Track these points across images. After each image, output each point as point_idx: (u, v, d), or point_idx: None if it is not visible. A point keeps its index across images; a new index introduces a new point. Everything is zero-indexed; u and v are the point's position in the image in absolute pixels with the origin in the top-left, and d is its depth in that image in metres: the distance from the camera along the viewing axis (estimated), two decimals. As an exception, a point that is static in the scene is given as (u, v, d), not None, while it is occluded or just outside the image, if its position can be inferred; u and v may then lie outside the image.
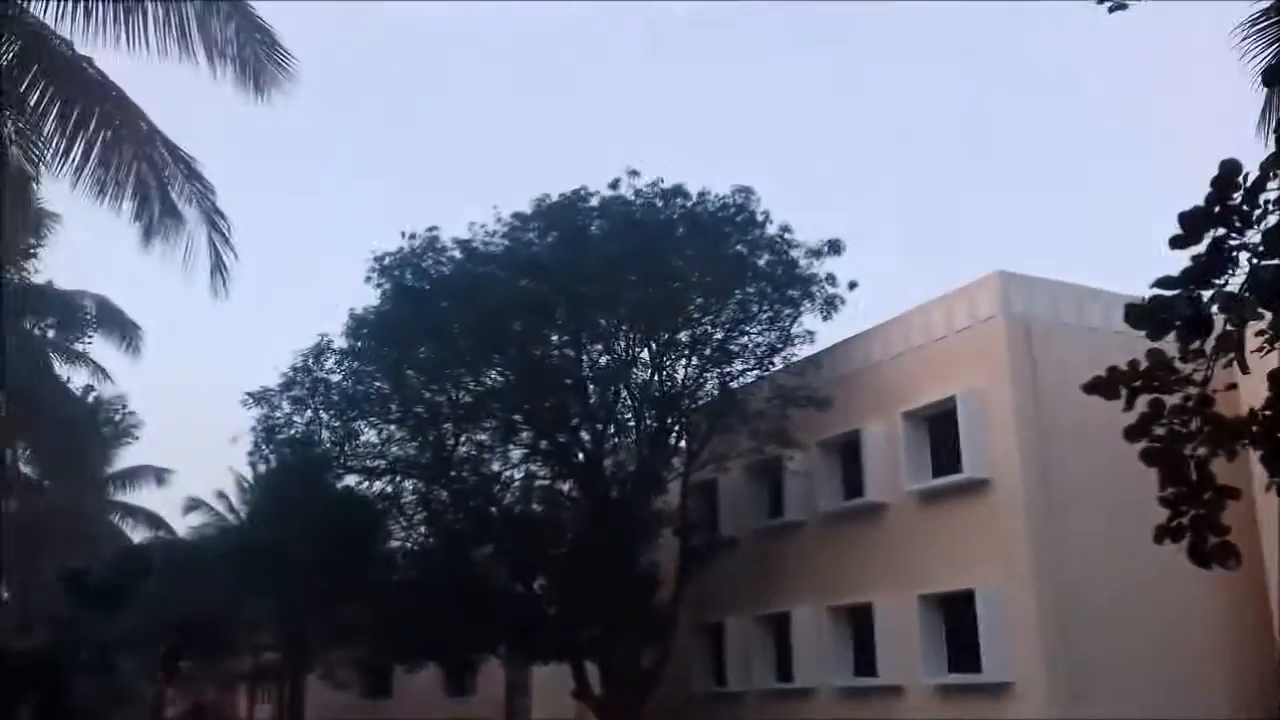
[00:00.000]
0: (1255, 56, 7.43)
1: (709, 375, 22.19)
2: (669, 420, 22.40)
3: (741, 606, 22.48)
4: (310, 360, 23.08)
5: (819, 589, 20.68)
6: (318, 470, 23.69)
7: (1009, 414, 17.50)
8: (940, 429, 18.77)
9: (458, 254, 22.26)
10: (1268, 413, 4.89)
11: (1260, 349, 4.76)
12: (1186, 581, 16.25)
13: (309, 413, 23.25)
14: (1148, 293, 4.64)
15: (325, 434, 23.57)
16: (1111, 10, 5.47)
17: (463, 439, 24.03)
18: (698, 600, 22.99)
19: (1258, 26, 7.42)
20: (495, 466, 24.37)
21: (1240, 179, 4.43)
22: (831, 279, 20.90)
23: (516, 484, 24.82)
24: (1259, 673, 17.35)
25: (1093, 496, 17.23)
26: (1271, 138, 8.31)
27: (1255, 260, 4.23)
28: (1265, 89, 7.49)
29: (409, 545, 25.63)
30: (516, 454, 24.16)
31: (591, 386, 22.52)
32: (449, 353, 21.85)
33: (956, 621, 18.07)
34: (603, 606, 21.80)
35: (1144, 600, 17.01)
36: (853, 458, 20.54)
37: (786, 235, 21.03)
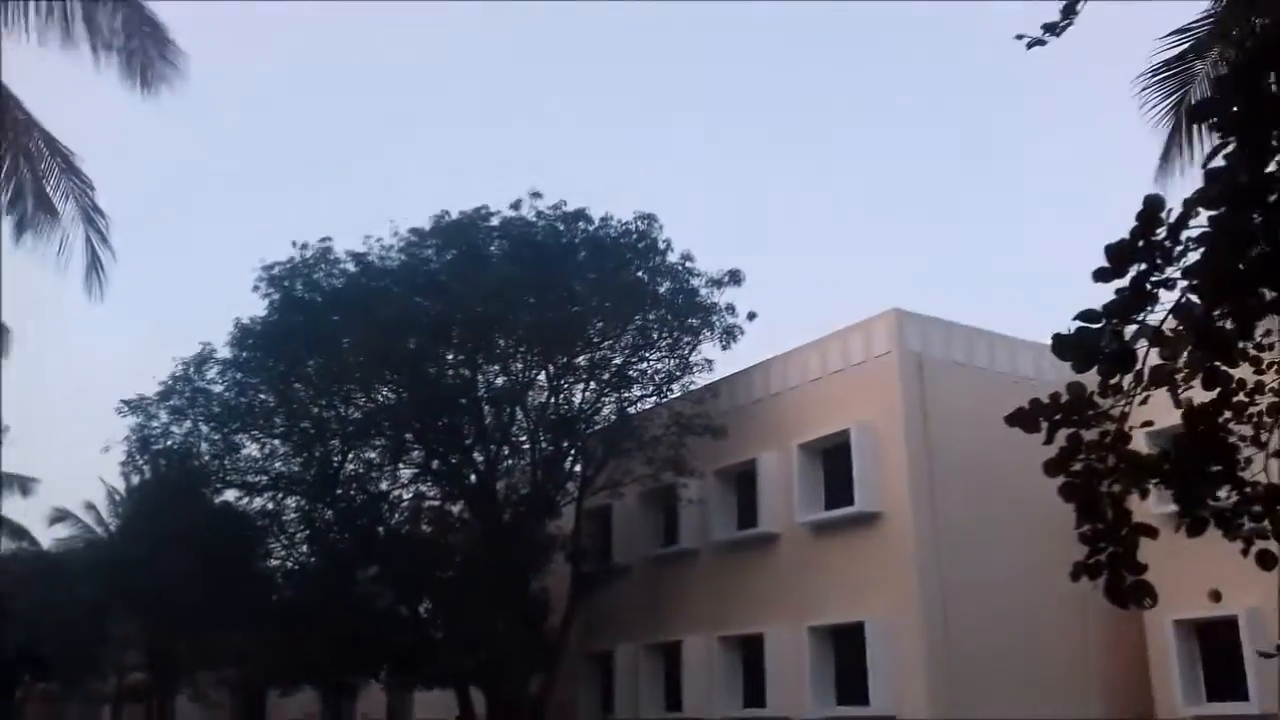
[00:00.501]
0: (1155, 105, 7.69)
1: (607, 400, 22.02)
2: (565, 444, 22.12)
3: (632, 634, 22.24)
4: (191, 369, 22.16)
5: (711, 618, 20.58)
6: (194, 484, 22.71)
7: (901, 448, 17.74)
8: (835, 461, 18.93)
9: (352, 267, 21.71)
10: (1181, 452, 4.90)
11: (1177, 386, 4.77)
12: (1066, 611, 16.88)
13: (188, 423, 22.29)
14: (1071, 325, 4.61)
15: (204, 446, 22.63)
16: (1030, 46, 5.48)
17: (350, 456, 23.34)
18: (588, 627, 22.67)
19: (1158, 76, 7.66)
20: (384, 486, 23.76)
21: (1164, 215, 4.43)
22: (731, 309, 21.01)
23: (405, 504, 24.22)
24: (1131, 697, 17.82)
25: (979, 530, 17.56)
26: (1177, 178, 8.57)
27: (1185, 296, 4.22)
28: (1166, 135, 7.73)
29: (289, 564, 24.74)
30: (406, 474, 23.60)
31: (486, 407, 22.12)
32: (339, 367, 21.21)
33: (846, 653, 18.16)
34: (490, 632, 21.32)
35: (1025, 631, 17.35)
36: (748, 487, 20.56)
37: (688, 264, 21.09)
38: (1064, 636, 17.64)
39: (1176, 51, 7.53)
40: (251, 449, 22.84)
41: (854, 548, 18.29)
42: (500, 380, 22.07)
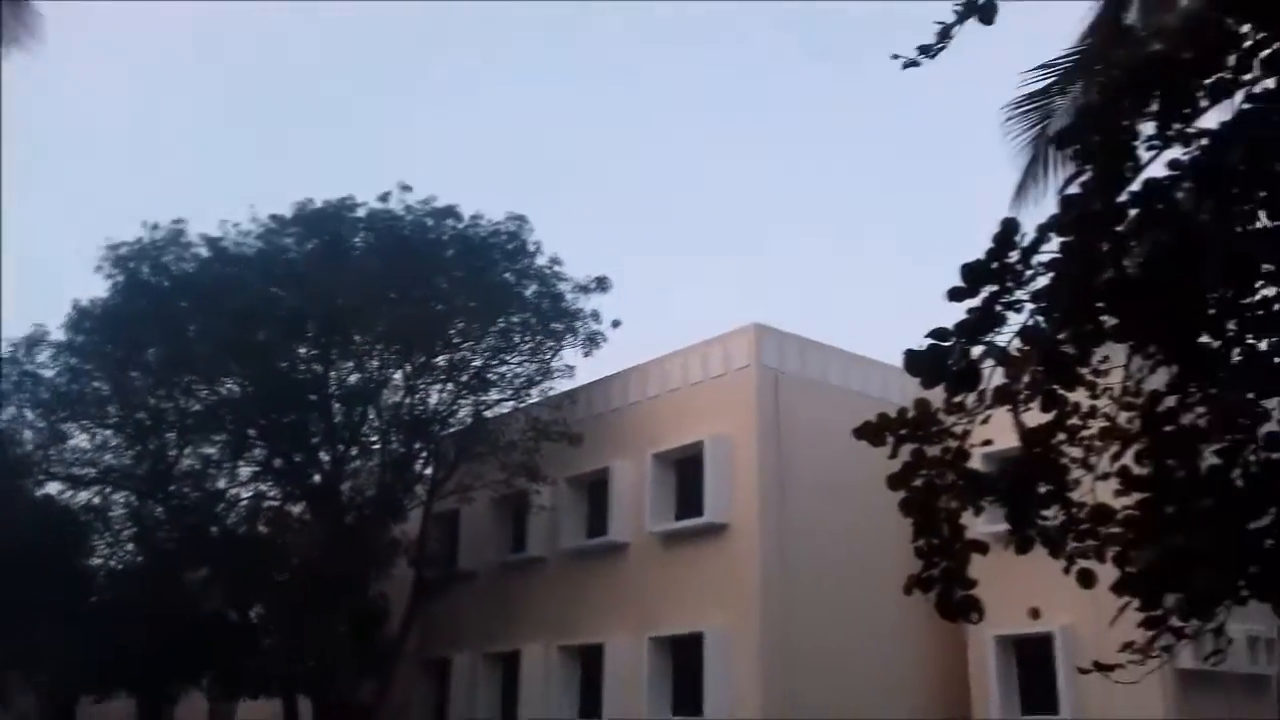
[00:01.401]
0: (1018, 135, 8.04)
1: (463, 402, 21.67)
2: (416, 446, 21.65)
3: (472, 642, 21.88)
4: (20, 352, 20.80)
5: (553, 627, 20.42)
6: (14, 473, 21.30)
7: (753, 461, 18.00)
8: (687, 472, 19.08)
9: (205, 251, 20.80)
10: (1016, 472, 5.04)
11: (1018, 407, 4.89)
12: (900, 624, 17.41)
13: (12, 409, 20.92)
14: (923, 343, 4.68)
15: (28, 434, 21.26)
16: (905, 67, 5.56)
17: (187, 451, 22.31)
18: (427, 634, 22.20)
19: (1021, 109, 8.00)
20: (221, 483, 22.78)
21: (1018, 238, 4.55)
22: (596, 315, 20.99)
23: (243, 503, 23.25)
24: (954, 707, 18.46)
25: (823, 544, 17.95)
26: (1032, 206, 8.92)
27: (1033, 319, 4.32)
28: (1024, 165, 8.08)
29: (113, 563, 23.44)
30: (246, 471, 22.67)
31: (337, 405, 21.48)
32: (182, 356, 20.28)
33: (684, 664, 18.28)
34: (323, 637, 20.64)
35: (860, 642, 17.80)
36: (600, 496, 20.53)
37: (556, 267, 20.98)
38: (896, 649, 18.18)
39: (1041, 85, 7.89)
40: (80, 439, 21.62)
41: (701, 559, 18.44)
42: (354, 377, 21.49)
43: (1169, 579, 3.81)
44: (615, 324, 21.04)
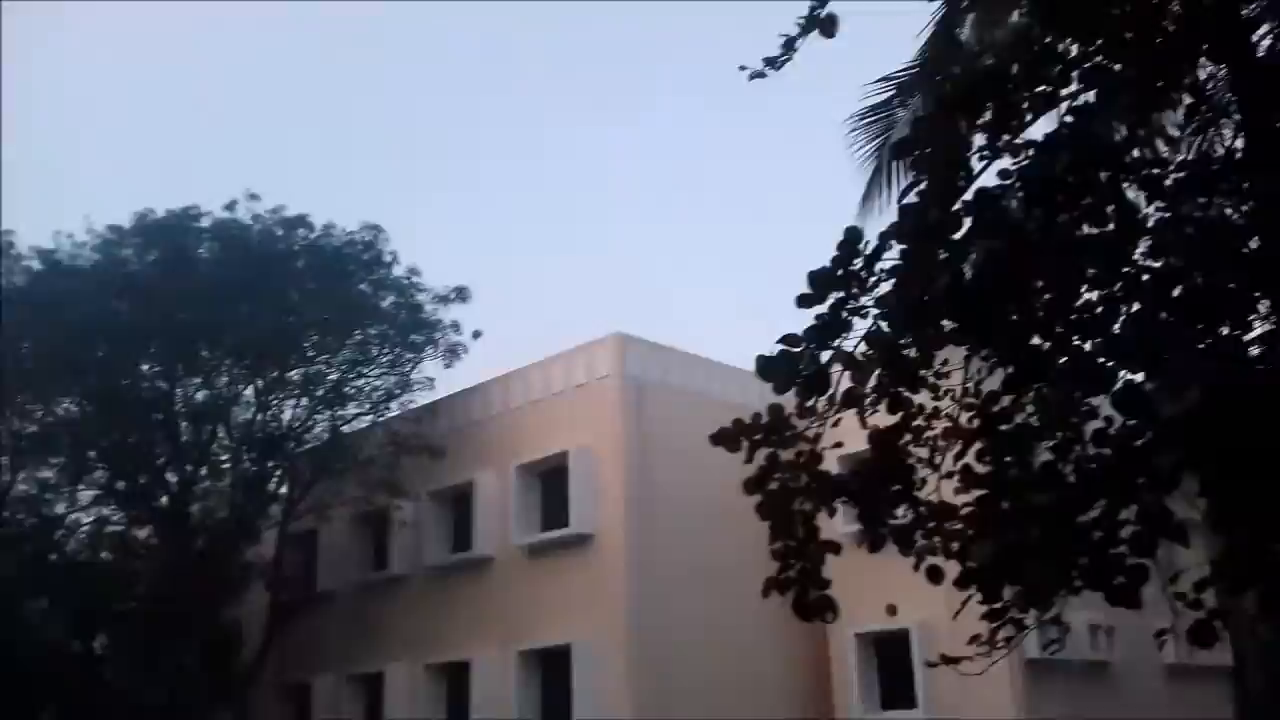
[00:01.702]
0: (862, 147, 8.31)
1: (319, 418, 21.07)
2: (270, 464, 20.93)
3: (333, 665, 21.25)
4: None
5: (418, 646, 20.02)
6: None
7: (618, 471, 18.05)
8: (552, 483, 18.99)
9: (36, 264, 19.69)
10: (866, 473, 5.18)
11: (864, 410, 5.03)
12: (764, 627, 17.71)
13: None
14: (774, 349, 4.77)
15: None
16: (752, 78, 5.66)
17: (21, 475, 21.04)
18: (286, 659, 21.46)
19: (865, 120, 8.27)
20: (60, 508, 21.54)
21: (862, 246, 4.69)
22: (456, 326, 20.72)
23: (85, 529, 22.06)
24: (817, 706, 18.88)
25: (688, 551, 18.11)
26: (876, 216, 9.20)
27: (877, 324, 4.45)
28: (869, 176, 8.37)
29: (-60, 597, 21.86)
30: (87, 495, 21.51)
31: (184, 424, 20.59)
32: (14, 375, 19.10)
33: (552, 676, 18.17)
34: (174, 667, 19.74)
35: (726, 647, 18.01)
36: (464, 510, 20.25)
37: (414, 278, 20.63)
38: (762, 651, 18.48)
39: (882, 98, 8.17)
40: (-98, 466, 20.14)
41: (567, 570, 18.38)
42: (201, 394, 20.66)
43: (1007, 572, 3.97)
44: (476, 335, 20.84)
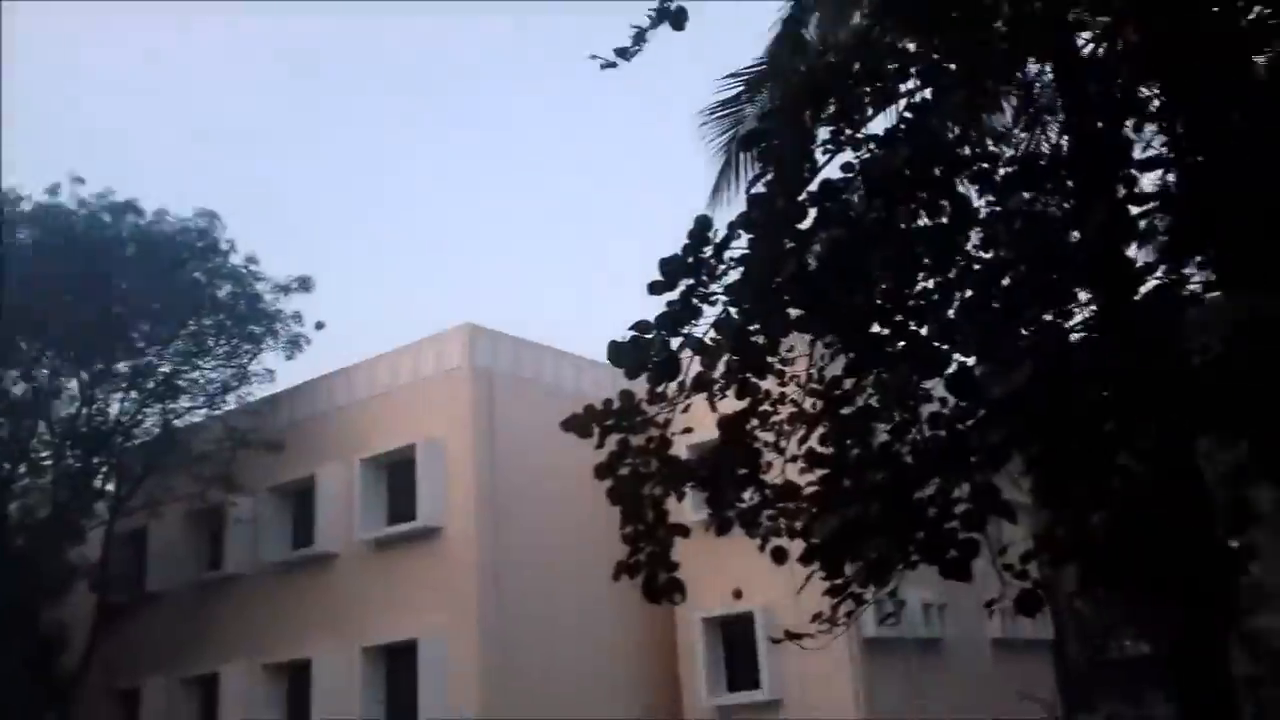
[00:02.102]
0: (713, 140, 8.47)
1: (150, 411, 20.07)
2: (96, 460, 19.84)
3: (165, 668, 20.31)
4: None
5: (256, 646, 19.33)
6: None
7: (468, 463, 17.85)
8: (399, 477, 18.62)
9: None
10: (714, 457, 5.29)
11: (714, 395, 5.13)
12: (616, 617, 17.89)
13: None
14: (625, 336, 4.82)
15: None
16: (603, 68, 5.68)
17: None
18: (113, 662, 20.39)
19: (715, 115, 8.43)
20: None
21: (711, 235, 4.78)
22: (298, 317, 20.07)
23: (-115, 532, 20.41)
24: (666, 694, 19.16)
25: (541, 543, 18.08)
26: (726, 208, 9.37)
27: (726, 311, 4.54)
28: (719, 169, 8.53)
29: None
30: (-113, 496, 19.92)
31: (1, 419, 19.31)
32: None
33: (398, 672, 17.85)
34: (-10, 675, 18.51)
35: (579, 637, 18.07)
36: (306, 505, 19.64)
37: (252, 266, 19.85)
38: (614, 640, 18.62)
39: (732, 93, 8.33)
40: None
41: (415, 565, 18.08)
42: (20, 387, 19.40)
43: (848, 547, 4.13)
44: (319, 326, 20.24)
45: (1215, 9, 3.66)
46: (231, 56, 62.43)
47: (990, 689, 19.54)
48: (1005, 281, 4.22)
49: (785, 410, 5.50)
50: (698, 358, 4.62)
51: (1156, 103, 4.07)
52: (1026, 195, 4.54)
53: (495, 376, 18.64)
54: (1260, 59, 3.92)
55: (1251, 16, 3.64)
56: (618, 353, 4.52)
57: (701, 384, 4.55)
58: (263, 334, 19.94)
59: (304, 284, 20.07)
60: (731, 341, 4.54)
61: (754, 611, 17.51)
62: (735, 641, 18.67)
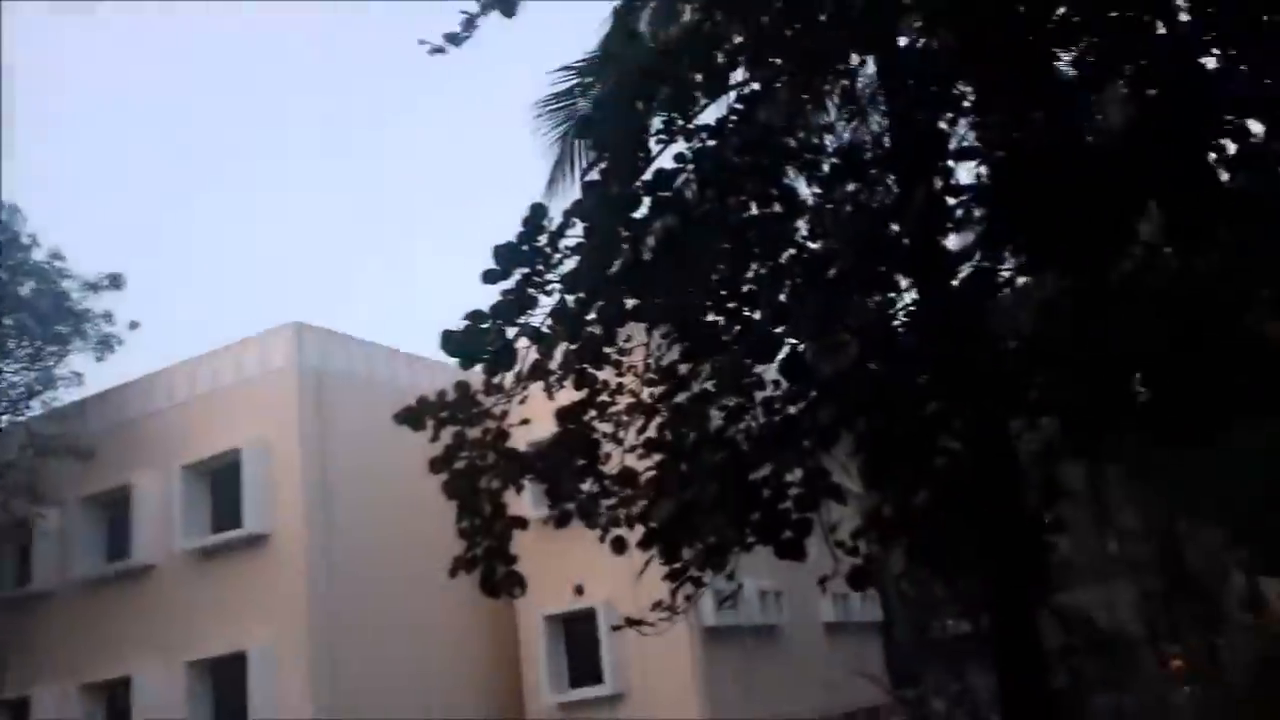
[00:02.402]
0: (548, 133, 8.42)
1: (-60, 419, 18.54)
2: (-124, 474, 18.19)
3: (-34, 696, 18.85)
4: None
5: (69, 666, 18.15)
6: None
7: (297, 466, 17.22)
8: (224, 483, 17.80)
9: None
10: (553, 448, 5.26)
11: (551, 386, 5.09)
12: (454, 618, 17.61)
13: None
14: (459, 324, 4.72)
15: None
16: (432, 53, 5.56)
17: None
18: (-95, 694, 18.80)
19: (550, 108, 8.38)
20: None
21: (546, 223, 4.73)
22: (109, 316, 18.91)
23: None
24: (508, 694, 19.00)
25: (375, 546, 17.61)
26: (562, 200, 9.30)
27: (562, 299, 4.50)
28: (555, 160, 8.49)
29: None
30: None
31: None
32: None
33: (227, 685, 17.09)
34: None
35: (416, 640, 17.68)
36: (121, 515, 18.56)
37: (58, 263, 18.60)
38: (453, 641, 18.34)
39: (567, 85, 8.28)
40: None
41: (242, 574, 17.34)
42: None
43: (684, 530, 4.16)
44: (133, 325, 19.13)
45: (1022, 9, 3.85)
46: (45, 48, 58.44)
47: (824, 671, 20.21)
48: (833, 269, 4.33)
49: (623, 400, 5.51)
50: (535, 348, 4.57)
51: (971, 98, 4.25)
52: (851, 186, 4.67)
53: (325, 376, 18.05)
54: (1064, 58, 4.15)
55: (1056, 17, 3.84)
56: (449, 342, 4.43)
57: (537, 374, 4.49)
58: (70, 334, 18.70)
59: (115, 281, 18.93)
60: (568, 330, 4.51)
61: (596, 607, 17.55)
62: (577, 638, 18.67)
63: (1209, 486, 12.48)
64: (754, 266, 4.40)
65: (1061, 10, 3.78)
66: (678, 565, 4.35)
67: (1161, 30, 3.51)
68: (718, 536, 4.09)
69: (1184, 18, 3.72)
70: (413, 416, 4.74)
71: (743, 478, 4.01)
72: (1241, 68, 3.34)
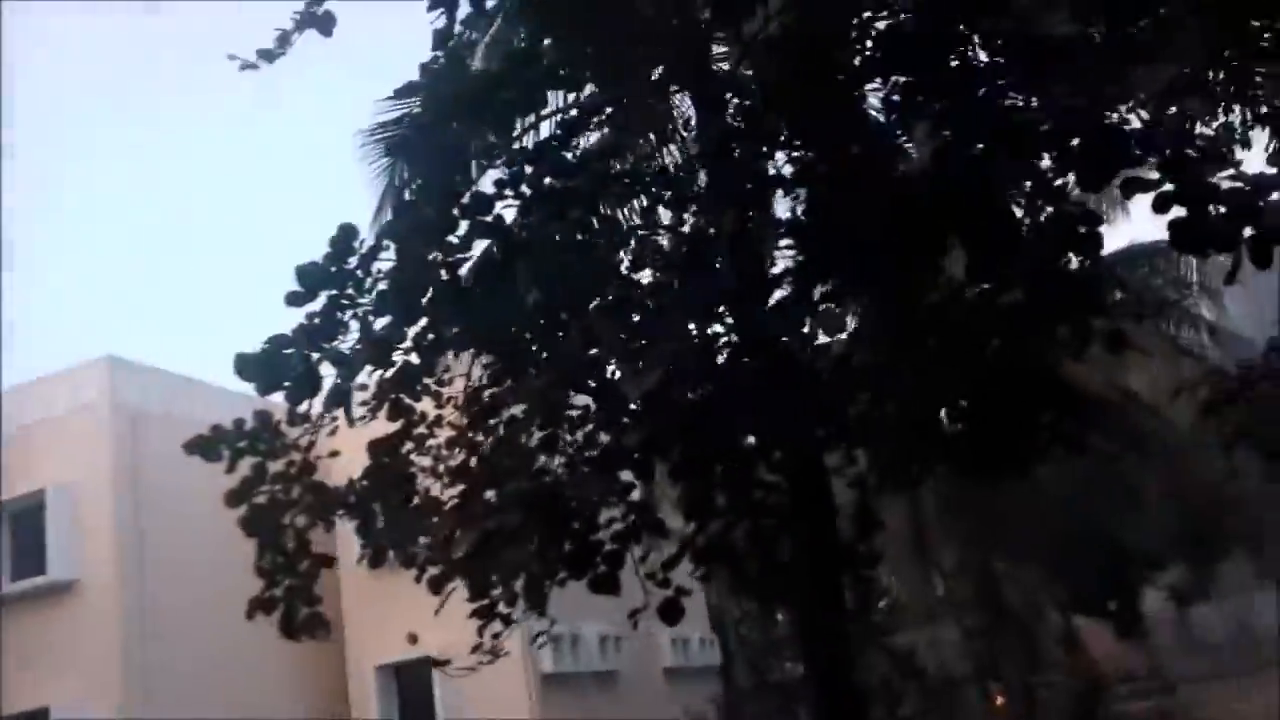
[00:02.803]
0: (375, 161, 8.18)
1: None
2: None
3: None
4: None
5: None
6: None
7: (107, 509, 16.20)
8: (26, 527, 16.57)
9: None
10: (364, 482, 5.01)
11: (364, 417, 4.85)
12: (283, 664, 16.72)
13: None
14: (259, 348, 4.45)
15: None
16: (243, 69, 5.33)
17: None
18: None
19: (376, 136, 8.16)
20: None
21: (357, 244, 4.53)
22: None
23: None
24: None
25: (193, 594, 16.62)
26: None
27: (374, 323, 4.28)
28: (383, 189, 8.23)
29: None
30: None
31: None
32: None
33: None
34: None
35: (240, 689, 16.65)
36: (-95, 564, 17.03)
37: None
38: (279, 691, 17.41)
39: (395, 115, 8.06)
40: None
41: (46, 624, 16.12)
42: None
43: (489, 559, 3.99)
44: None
45: (831, 48, 3.91)
46: None
47: (664, 716, 20.07)
48: (649, 293, 4.29)
49: (443, 434, 5.31)
50: (337, 375, 4.33)
51: (784, 131, 4.29)
52: (667, 212, 4.65)
53: (140, 413, 17.06)
54: (873, 97, 4.25)
55: (863, 56, 3.92)
56: (245, 366, 4.16)
57: (337, 401, 4.25)
58: None
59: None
60: (376, 357, 4.30)
61: (430, 654, 16.98)
62: (410, 687, 18.05)
63: (1025, 525, 13.00)
64: (570, 291, 4.31)
65: (869, 48, 3.86)
66: (485, 602, 4.17)
67: (959, 66, 3.61)
68: (523, 569, 3.93)
69: (984, 57, 3.85)
70: (206, 446, 4.44)
71: (552, 508, 3.88)
72: (1033, 103, 3.46)
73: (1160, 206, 3.24)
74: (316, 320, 4.46)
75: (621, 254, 4.50)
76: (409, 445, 5.09)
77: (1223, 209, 3.15)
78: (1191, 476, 13.57)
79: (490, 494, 4.12)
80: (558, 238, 4.32)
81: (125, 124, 59.99)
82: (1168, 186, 3.32)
